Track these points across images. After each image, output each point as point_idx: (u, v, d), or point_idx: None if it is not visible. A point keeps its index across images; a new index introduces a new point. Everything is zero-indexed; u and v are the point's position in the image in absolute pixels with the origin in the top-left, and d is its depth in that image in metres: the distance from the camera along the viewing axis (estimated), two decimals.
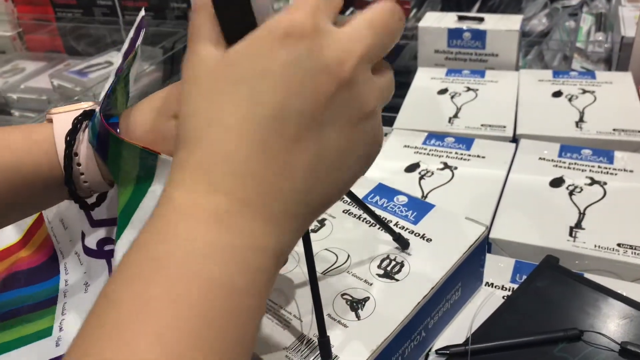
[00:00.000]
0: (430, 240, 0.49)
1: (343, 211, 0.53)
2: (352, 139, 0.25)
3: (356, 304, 0.44)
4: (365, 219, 0.52)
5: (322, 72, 0.23)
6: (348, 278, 0.47)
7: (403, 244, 0.48)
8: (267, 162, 0.23)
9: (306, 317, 0.44)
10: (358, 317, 0.43)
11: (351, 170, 0.26)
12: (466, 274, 0.49)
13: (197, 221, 0.23)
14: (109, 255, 0.47)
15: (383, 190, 0.56)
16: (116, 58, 0.50)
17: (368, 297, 0.45)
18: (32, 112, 1.09)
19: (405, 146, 0.77)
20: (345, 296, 0.45)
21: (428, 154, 0.75)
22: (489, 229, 0.49)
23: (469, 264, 0.49)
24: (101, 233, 0.48)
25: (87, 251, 0.49)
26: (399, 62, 1.09)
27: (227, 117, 0.23)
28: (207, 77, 0.24)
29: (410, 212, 0.53)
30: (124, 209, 0.38)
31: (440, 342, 0.49)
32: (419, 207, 0.53)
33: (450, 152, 0.75)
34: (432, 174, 0.71)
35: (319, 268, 0.48)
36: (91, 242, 0.48)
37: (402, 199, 0.55)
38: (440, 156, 0.75)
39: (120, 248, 0.37)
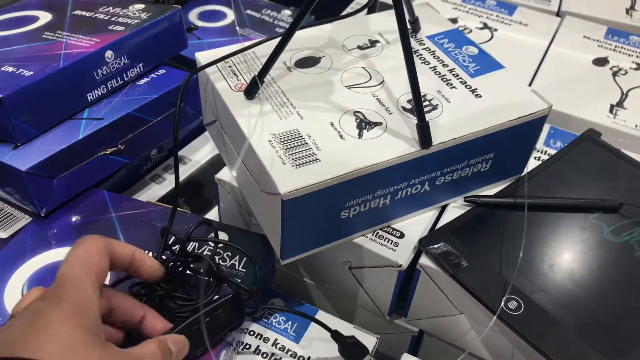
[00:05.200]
0: (480, 96, 0.42)
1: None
2: None
3: (365, 124, 0.39)
4: (422, 57, 0.45)
5: None
6: (369, 99, 0.41)
7: None
8: None
9: None
10: (360, 136, 0.38)
11: None
12: (505, 149, 0.42)
13: None
14: None
15: (456, 36, 0.48)
16: None
17: (380, 123, 0.39)
18: None
19: (443, 0, 0.71)
20: (357, 113, 0.40)
21: (467, 12, 0.70)
22: (550, 108, 0.41)
23: (514, 139, 0.41)
24: None
25: None
26: None
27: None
28: None
29: (474, 64, 0.45)
30: None
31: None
32: (486, 63, 0.45)
33: (491, 14, 0.69)
34: (470, 31, 0.66)
35: (349, 82, 0.42)
36: None
37: (472, 50, 0.47)
38: (480, 16, 0.69)
39: None
